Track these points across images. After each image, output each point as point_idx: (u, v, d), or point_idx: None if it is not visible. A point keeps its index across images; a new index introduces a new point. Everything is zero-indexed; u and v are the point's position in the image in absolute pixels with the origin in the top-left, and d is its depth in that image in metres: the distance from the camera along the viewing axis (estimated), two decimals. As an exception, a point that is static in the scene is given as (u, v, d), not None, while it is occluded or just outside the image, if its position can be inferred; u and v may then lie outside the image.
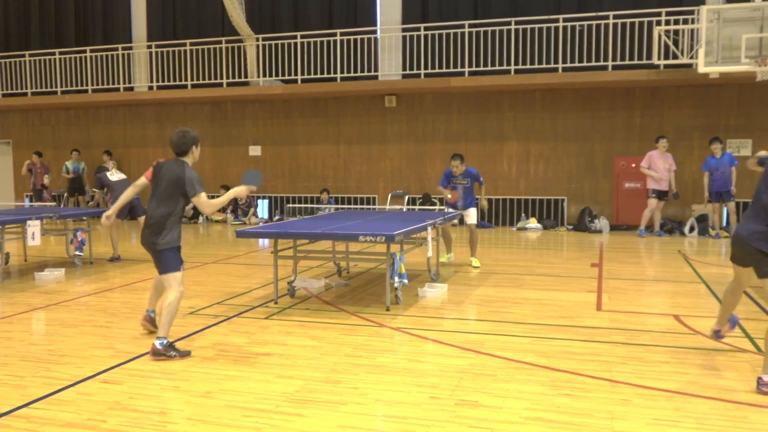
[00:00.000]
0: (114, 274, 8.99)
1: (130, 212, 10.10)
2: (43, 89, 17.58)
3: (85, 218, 10.60)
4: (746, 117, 13.66)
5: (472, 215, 9.49)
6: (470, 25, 14.47)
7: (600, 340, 5.48)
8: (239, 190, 5.64)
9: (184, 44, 16.41)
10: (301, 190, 16.54)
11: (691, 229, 13.06)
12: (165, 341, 5.06)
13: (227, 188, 16.63)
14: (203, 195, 5.35)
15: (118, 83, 17.04)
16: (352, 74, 15.32)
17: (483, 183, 9.61)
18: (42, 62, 17.58)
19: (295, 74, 15.61)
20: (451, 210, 9.27)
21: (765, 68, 11.34)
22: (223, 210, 16.63)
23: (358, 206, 15.76)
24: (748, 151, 13.60)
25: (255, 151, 16.90)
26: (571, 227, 14.38)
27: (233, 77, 16.10)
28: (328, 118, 16.27)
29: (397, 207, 10.23)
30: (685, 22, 12.96)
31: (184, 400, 4.18)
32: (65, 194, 17.04)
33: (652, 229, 13.03)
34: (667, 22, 12.91)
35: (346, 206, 15.59)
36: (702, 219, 13.08)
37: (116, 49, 17.08)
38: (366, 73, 15.38)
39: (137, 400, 4.19)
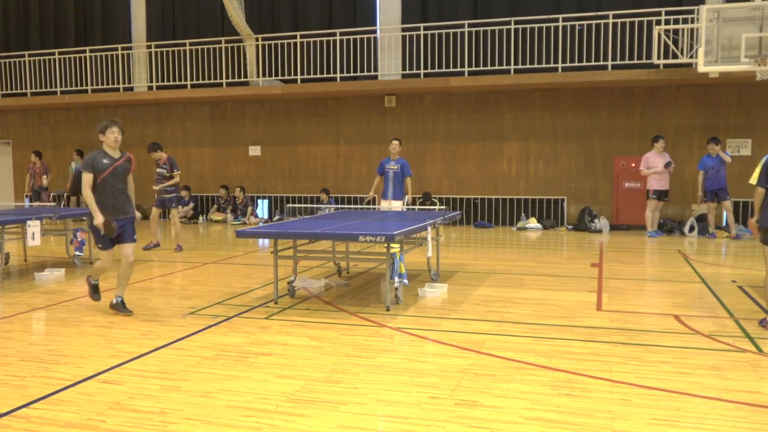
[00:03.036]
0: (114, 275, 8.96)
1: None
2: (43, 89, 17.59)
3: (85, 218, 10.59)
4: (746, 116, 13.66)
5: (396, 207, 10.11)
6: (470, 25, 14.47)
7: (600, 340, 5.48)
8: (98, 218, 6.32)
9: (184, 44, 16.41)
10: (301, 190, 16.54)
11: (691, 229, 13.07)
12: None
13: (227, 188, 16.66)
14: (84, 174, 6.35)
15: (118, 83, 17.04)
16: (351, 74, 15.33)
17: (409, 175, 10.52)
18: (42, 62, 17.58)
19: (295, 74, 15.61)
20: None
21: (764, 68, 11.34)
22: (222, 210, 16.63)
23: (358, 206, 15.74)
24: (748, 150, 13.61)
25: (255, 151, 16.91)
26: (571, 227, 14.38)
27: (233, 77, 16.10)
28: (327, 118, 16.27)
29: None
30: (685, 21, 12.96)
31: (184, 400, 4.18)
32: (65, 194, 17.05)
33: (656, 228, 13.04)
34: (667, 22, 12.91)
35: (346, 206, 15.58)
36: (702, 218, 13.08)
37: (116, 50, 17.08)
38: (366, 73, 15.39)
39: (137, 400, 4.19)
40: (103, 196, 6.33)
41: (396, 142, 10.78)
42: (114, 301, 6.58)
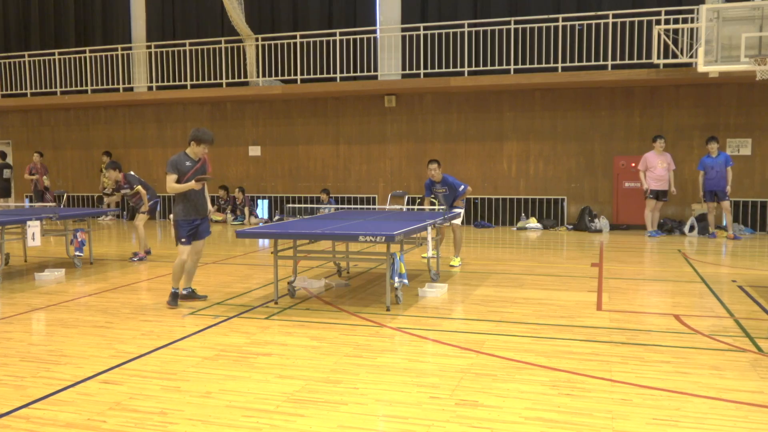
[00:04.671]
0: (114, 275, 8.99)
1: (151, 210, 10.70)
2: (43, 90, 17.59)
3: (85, 219, 10.60)
4: (746, 116, 13.65)
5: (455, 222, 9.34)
6: (469, 25, 14.47)
7: (600, 340, 5.48)
8: (192, 185, 6.80)
9: (184, 44, 16.40)
10: (301, 190, 16.54)
11: (691, 229, 13.07)
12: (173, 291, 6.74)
13: (226, 189, 16.66)
14: (168, 176, 6.67)
15: (118, 84, 17.04)
16: (351, 74, 15.33)
17: (462, 193, 9.35)
18: (42, 63, 17.58)
19: (295, 74, 15.61)
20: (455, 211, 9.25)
21: (764, 67, 11.34)
22: (222, 210, 16.62)
23: (358, 206, 15.75)
24: (747, 150, 13.61)
25: (255, 151, 16.90)
26: (571, 227, 14.38)
27: (233, 77, 16.10)
28: (327, 118, 16.27)
29: (397, 207, 10.21)
30: (685, 21, 12.96)
31: (184, 401, 4.18)
32: (65, 194, 17.05)
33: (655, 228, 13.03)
34: (667, 21, 12.91)
35: (346, 206, 15.58)
36: (702, 218, 13.08)
37: (116, 50, 17.08)
38: (365, 73, 15.38)
39: (137, 400, 4.19)
40: (187, 196, 6.82)
41: (434, 165, 9.45)
42: (184, 292, 7.00)
